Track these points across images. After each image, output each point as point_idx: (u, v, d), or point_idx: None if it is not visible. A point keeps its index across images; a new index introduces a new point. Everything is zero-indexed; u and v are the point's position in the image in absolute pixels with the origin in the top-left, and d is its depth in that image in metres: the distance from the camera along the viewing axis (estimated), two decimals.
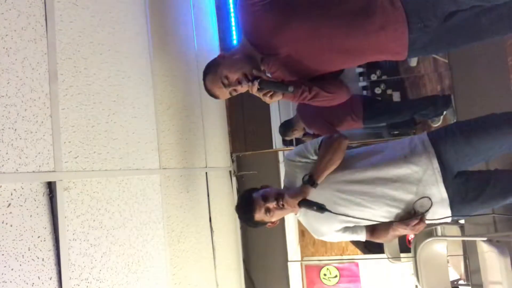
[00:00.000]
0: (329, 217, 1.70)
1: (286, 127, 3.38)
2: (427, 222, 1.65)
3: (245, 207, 1.72)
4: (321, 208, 1.60)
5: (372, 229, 1.82)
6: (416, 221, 1.62)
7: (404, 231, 1.69)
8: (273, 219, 1.73)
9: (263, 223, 1.73)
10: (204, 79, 1.70)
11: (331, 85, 1.72)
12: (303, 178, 1.66)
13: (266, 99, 1.63)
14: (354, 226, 1.81)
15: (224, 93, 1.67)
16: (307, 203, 1.62)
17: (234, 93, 1.67)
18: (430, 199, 1.63)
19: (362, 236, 1.84)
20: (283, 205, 1.66)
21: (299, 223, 5.04)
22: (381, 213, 1.68)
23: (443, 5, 1.45)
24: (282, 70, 1.67)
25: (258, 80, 1.57)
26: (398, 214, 1.67)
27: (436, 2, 1.45)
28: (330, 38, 1.53)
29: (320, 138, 1.78)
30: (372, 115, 3.34)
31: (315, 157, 1.74)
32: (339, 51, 1.57)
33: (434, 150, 1.65)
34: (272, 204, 1.67)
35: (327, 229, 1.78)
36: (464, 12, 1.48)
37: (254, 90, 1.60)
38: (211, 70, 1.67)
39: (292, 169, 1.79)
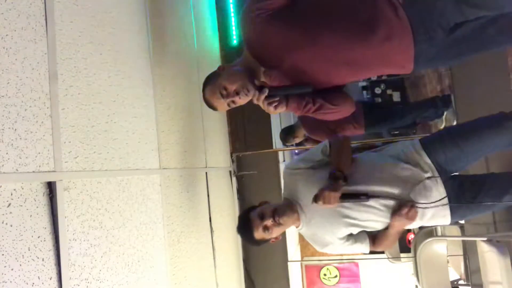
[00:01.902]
0: (334, 223, 1.73)
1: (287, 133, 3.38)
2: (423, 206, 1.68)
3: (244, 228, 1.77)
4: (366, 195, 1.63)
5: (374, 238, 1.85)
6: (407, 208, 1.64)
7: (400, 223, 1.69)
8: (273, 235, 1.76)
9: (265, 241, 1.77)
10: (203, 91, 1.68)
11: (335, 97, 1.68)
12: (330, 176, 1.66)
13: (270, 110, 1.60)
14: (358, 234, 1.81)
15: (222, 105, 1.64)
16: (348, 196, 1.63)
17: (233, 105, 1.63)
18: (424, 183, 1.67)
19: (365, 246, 1.85)
20: (279, 221, 1.71)
21: None
22: (383, 214, 1.69)
23: (449, 15, 1.43)
24: (285, 82, 1.63)
25: (267, 88, 1.54)
26: (393, 208, 1.69)
27: (441, 12, 1.42)
28: (334, 50, 1.50)
29: (325, 142, 1.81)
30: (373, 121, 3.36)
31: (320, 157, 1.76)
32: (344, 63, 1.54)
33: (425, 152, 1.73)
34: (268, 222, 1.70)
35: (331, 238, 1.79)
36: (470, 22, 1.46)
37: (261, 99, 1.56)
38: (210, 81, 1.65)
39: (292, 179, 1.82)
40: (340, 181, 1.63)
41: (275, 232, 1.74)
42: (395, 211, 1.67)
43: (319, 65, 1.55)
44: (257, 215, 1.72)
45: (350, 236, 1.81)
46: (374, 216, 1.70)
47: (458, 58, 1.61)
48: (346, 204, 1.66)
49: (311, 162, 1.78)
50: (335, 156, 1.73)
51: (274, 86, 1.57)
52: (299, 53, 1.53)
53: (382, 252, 4.27)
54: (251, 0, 1.51)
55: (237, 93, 1.57)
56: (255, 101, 1.59)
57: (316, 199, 1.62)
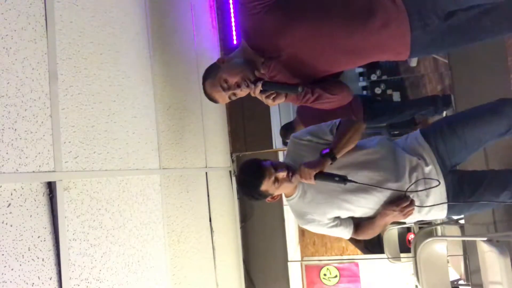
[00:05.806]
0: (329, 201, 1.70)
1: (287, 129, 3.39)
2: (422, 206, 1.66)
3: (254, 174, 1.62)
4: (343, 178, 1.57)
5: (357, 224, 1.81)
6: (406, 203, 1.62)
7: (393, 214, 1.66)
8: (278, 192, 1.68)
9: (265, 196, 1.66)
10: (203, 84, 1.69)
11: (333, 87, 1.71)
12: (321, 152, 1.61)
13: (269, 102, 1.61)
14: (345, 218, 1.79)
15: (224, 97, 1.65)
16: (325, 175, 1.58)
17: (233, 97, 1.65)
18: (432, 180, 1.64)
19: (348, 231, 1.80)
20: (292, 176, 1.62)
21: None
22: (379, 201, 1.68)
23: (442, 3, 1.47)
24: (284, 72, 1.65)
25: (262, 82, 1.56)
26: (390, 198, 1.67)
27: (435, 0, 1.46)
28: (332, 38, 1.53)
29: (336, 120, 1.77)
30: (373, 115, 3.36)
31: (329, 137, 1.73)
32: (342, 51, 1.57)
33: (428, 144, 1.71)
34: (282, 174, 1.61)
35: (319, 216, 1.74)
36: (465, 12, 1.50)
37: (257, 92, 1.58)
38: (211, 74, 1.66)
39: (298, 148, 1.76)
40: (328, 159, 1.59)
41: (281, 189, 1.66)
42: (392, 202, 1.65)
43: (317, 54, 1.58)
44: (270, 165, 1.63)
45: (337, 218, 1.79)
46: (371, 204, 1.69)
47: (453, 47, 1.64)
48: (349, 186, 1.63)
49: (318, 138, 1.76)
50: (338, 135, 1.68)
51: (268, 81, 1.58)
52: (298, 43, 1.55)
53: (382, 252, 4.27)
54: None
55: (238, 85, 1.59)
56: (252, 94, 1.61)
57: (288, 172, 1.60)
